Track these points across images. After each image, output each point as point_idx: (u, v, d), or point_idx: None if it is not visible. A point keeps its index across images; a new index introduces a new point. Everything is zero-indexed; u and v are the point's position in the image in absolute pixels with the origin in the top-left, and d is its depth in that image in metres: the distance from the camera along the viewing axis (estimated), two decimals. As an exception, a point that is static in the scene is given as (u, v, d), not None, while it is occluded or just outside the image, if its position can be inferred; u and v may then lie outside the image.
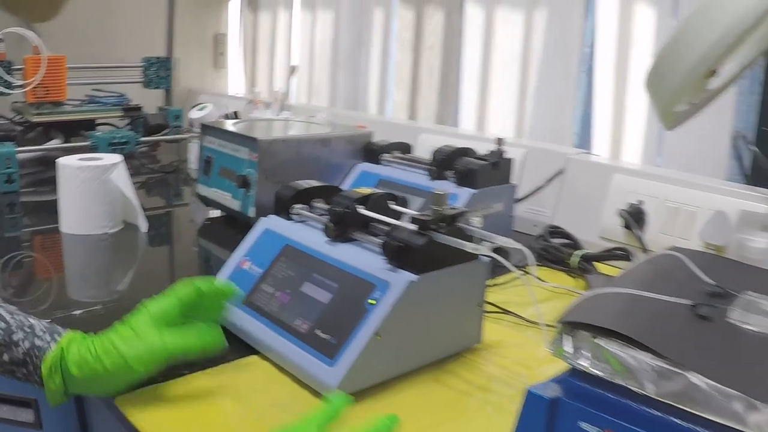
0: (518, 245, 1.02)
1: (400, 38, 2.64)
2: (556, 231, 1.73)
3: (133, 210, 1.73)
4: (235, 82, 3.58)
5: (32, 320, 0.98)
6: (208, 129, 1.85)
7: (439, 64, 2.51)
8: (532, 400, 0.73)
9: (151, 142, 2.65)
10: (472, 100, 2.42)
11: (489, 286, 1.35)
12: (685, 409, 0.66)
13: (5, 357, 0.94)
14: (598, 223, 1.74)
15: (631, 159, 2.02)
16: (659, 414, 0.67)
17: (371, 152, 1.87)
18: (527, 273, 1.20)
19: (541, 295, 1.42)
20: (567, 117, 2.17)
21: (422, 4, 2.53)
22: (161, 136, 2.63)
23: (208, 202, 1.85)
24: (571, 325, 0.73)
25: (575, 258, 1.57)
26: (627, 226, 1.63)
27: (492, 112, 2.36)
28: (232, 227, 1.77)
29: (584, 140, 2.17)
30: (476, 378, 1.08)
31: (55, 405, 0.96)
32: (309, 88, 3.06)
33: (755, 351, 0.71)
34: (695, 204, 1.60)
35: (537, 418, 0.73)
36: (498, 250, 1.05)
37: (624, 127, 2.03)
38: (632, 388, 0.68)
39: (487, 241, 1.04)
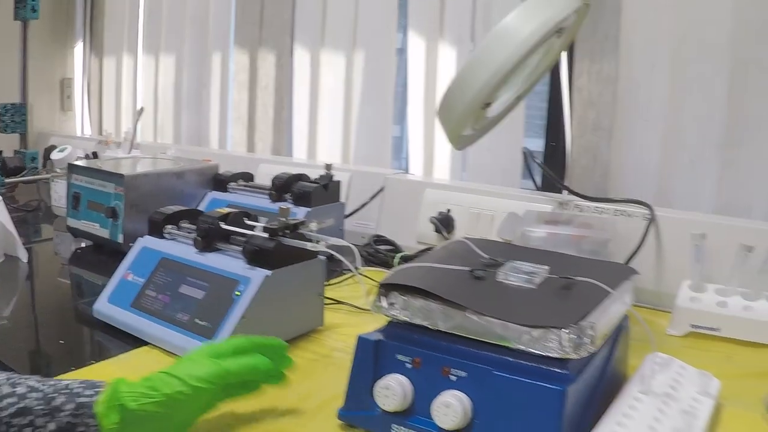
0: (346, 243, 1.31)
1: (237, 79, 2.85)
2: (380, 239, 2.01)
3: (13, 243, 1.88)
4: (82, 124, 3.68)
5: (65, 381, 0.93)
6: (76, 168, 2.02)
7: (273, 102, 2.75)
8: (361, 343, 1.02)
9: (13, 183, 2.78)
10: (303, 132, 2.67)
11: (327, 284, 1.63)
12: (464, 335, 0.97)
13: (51, 426, 0.88)
14: (414, 230, 2.01)
15: (441, 175, 2.31)
16: (449, 343, 0.98)
17: (219, 182, 2.09)
18: (359, 272, 1.47)
19: (369, 290, 1.69)
20: (385, 143, 2.45)
21: (255, 47, 2.77)
22: (22, 177, 2.78)
23: (78, 233, 2.02)
24: (386, 287, 1.02)
25: (396, 259, 1.84)
26: (438, 231, 1.91)
27: (321, 142, 2.62)
28: (101, 254, 1.96)
29: (402, 162, 2.47)
30: (321, 349, 1.35)
31: None
32: (155, 128, 3.24)
33: (511, 296, 1.02)
34: (493, 208, 1.90)
35: (366, 356, 1.02)
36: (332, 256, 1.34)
37: (434, 150, 2.33)
38: (429, 326, 0.99)
39: (322, 241, 1.32)
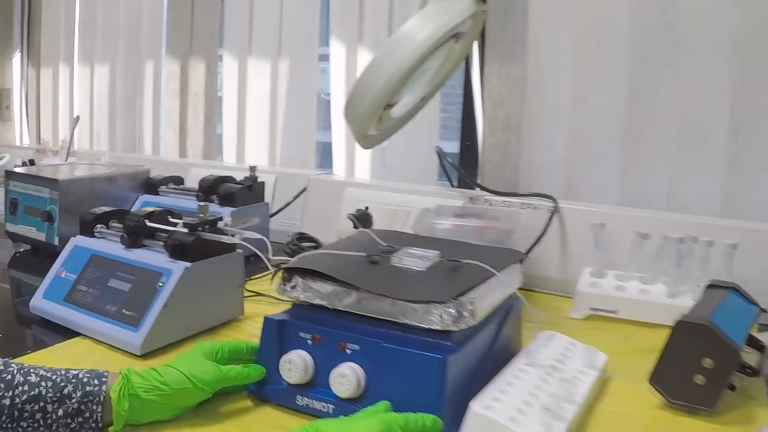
0: (259, 236, 1.41)
1: (169, 87, 2.93)
2: (303, 236, 2.09)
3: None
4: (21, 133, 3.69)
5: (72, 371, 1.04)
6: (13, 175, 2.09)
7: (203, 108, 2.83)
8: (267, 322, 1.13)
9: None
10: (232, 137, 2.76)
11: (251, 279, 1.73)
12: (359, 313, 1.08)
13: (60, 412, 0.99)
14: (336, 227, 2.09)
15: (362, 175, 2.42)
16: (345, 320, 1.09)
17: (150, 185, 2.17)
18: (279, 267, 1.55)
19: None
20: (310, 146, 2.56)
21: (186, 56, 2.85)
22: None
23: (17, 238, 2.07)
24: (289, 272, 1.13)
25: (318, 254, 1.94)
26: (356, 227, 1.98)
27: (249, 146, 2.72)
28: (39, 257, 2.02)
29: (326, 163, 2.57)
30: (241, 336, 1.43)
31: (119, 429, 1.02)
32: (90, 135, 3.29)
33: (402, 277, 1.13)
34: (409, 205, 2.01)
35: (272, 335, 1.12)
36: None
37: (356, 151, 2.43)
38: (327, 306, 1.09)
39: (238, 234, 1.42)
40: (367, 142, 1.58)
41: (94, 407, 1.01)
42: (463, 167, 2.20)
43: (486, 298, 1.12)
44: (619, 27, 1.94)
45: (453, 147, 2.29)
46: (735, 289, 1.36)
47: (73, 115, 3.24)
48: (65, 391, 1.00)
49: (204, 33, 2.80)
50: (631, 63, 1.93)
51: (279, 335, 1.12)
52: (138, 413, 1.04)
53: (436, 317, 1.01)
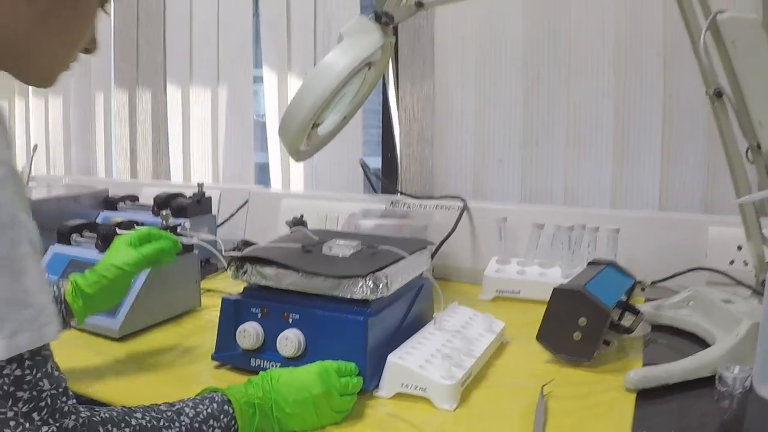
0: (212, 237, 1.64)
1: (119, 115, 3.11)
2: (247, 243, 2.28)
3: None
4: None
5: None
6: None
7: (151, 134, 3.01)
8: (224, 302, 1.35)
9: None
10: (178, 158, 2.96)
11: (205, 279, 1.94)
12: (298, 290, 1.31)
13: None
14: (275, 234, 2.20)
15: (297, 188, 2.65)
16: (287, 296, 1.32)
17: (109, 203, 2.33)
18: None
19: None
20: (249, 164, 2.78)
21: (133, 86, 3.03)
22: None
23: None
24: (240, 260, 1.36)
25: (261, 255, 2.15)
26: None
27: (194, 166, 2.92)
28: None
29: (264, 180, 2.78)
30: (200, 322, 1.66)
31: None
32: (47, 162, 3.46)
33: (331, 261, 1.37)
34: (338, 211, 2.23)
35: (228, 311, 1.35)
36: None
37: (290, 167, 2.66)
38: (272, 286, 1.33)
39: (196, 236, 1.63)
40: (299, 156, 1.78)
41: (59, 306, 1.28)
42: (386, 176, 2.42)
43: (398, 275, 1.35)
44: (513, 45, 2.18)
45: (378, 162, 2.50)
46: (613, 265, 1.58)
47: (31, 144, 3.39)
48: None
49: (149, 65, 2.97)
50: (525, 76, 2.17)
51: (234, 312, 1.34)
52: (92, 304, 1.30)
53: (358, 289, 1.25)
